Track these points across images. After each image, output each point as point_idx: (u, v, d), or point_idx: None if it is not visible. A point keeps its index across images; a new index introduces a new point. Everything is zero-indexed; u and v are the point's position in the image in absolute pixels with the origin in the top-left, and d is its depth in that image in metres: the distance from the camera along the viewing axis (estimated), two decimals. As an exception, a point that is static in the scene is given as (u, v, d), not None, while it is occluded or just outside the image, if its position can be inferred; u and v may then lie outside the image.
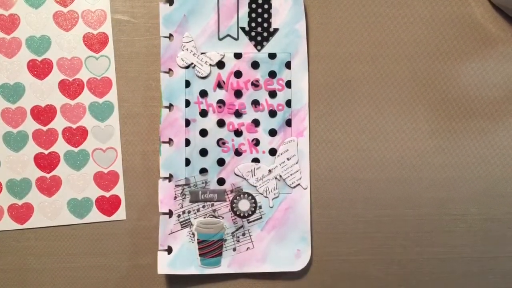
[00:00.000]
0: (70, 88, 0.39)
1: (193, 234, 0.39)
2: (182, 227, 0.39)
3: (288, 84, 0.40)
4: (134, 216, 0.39)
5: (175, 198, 0.39)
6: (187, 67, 0.40)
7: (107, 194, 0.39)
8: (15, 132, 0.39)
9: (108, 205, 0.39)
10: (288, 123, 0.40)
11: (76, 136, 0.39)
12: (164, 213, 0.39)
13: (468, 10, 0.42)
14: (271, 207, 0.40)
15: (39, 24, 0.39)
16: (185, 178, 0.39)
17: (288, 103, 0.40)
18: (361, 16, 0.41)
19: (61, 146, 0.39)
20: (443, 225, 0.41)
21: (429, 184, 0.41)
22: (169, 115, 0.40)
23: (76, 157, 0.39)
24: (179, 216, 0.39)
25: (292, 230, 0.40)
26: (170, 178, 0.39)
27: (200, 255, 0.39)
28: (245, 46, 0.40)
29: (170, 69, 0.40)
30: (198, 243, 0.39)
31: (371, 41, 0.41)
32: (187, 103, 0.40)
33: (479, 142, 0.42)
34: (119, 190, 0.39)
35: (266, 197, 0.40)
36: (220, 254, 0.39)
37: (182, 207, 0.39)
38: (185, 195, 0.39)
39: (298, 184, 0.40)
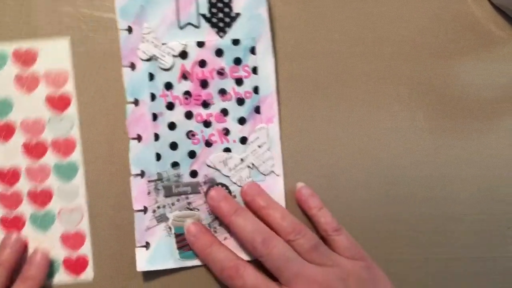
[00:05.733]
0: (34, 150, 0.38)
1: (169, 228, 0.39)
2: (158, 222, 0.39)
3: (255, 70, 0.39)
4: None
5: (149, 193, 0.39)
6: (149, 60, 0.39)
7: (74, 254, 0.39)
8: None
9: (75, 265, 0.39)
10: (257, 110, 0.40)
11: (41, 197, 0.38)
12: (139, 210, 0.39)
13: (467, 9, 0.41)
14: (245, 196, 0.40)
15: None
16: (157, 173, 0.39)
17: (256, 90, 0.40)
18: (360, 16, 0.41)
19: (26, 208, 0.39)
20: (443, 225, 0.41)
21: (427, 183, 0.41)
22: (135, 110, 0.39)
23: (42, 218, 0.38)
24: (154, 211, 0.39)
25: (268, 216, 0.40)
26: (142, 174, 0.39)
27: (178, 248, 0.39)
28: (207, 33, 0.39)
29: (132, 63, 0.39)
30: (176, 236, 0.39)
31: (370, 40, 0.41)
32: (153, 97, 0.39)
33: (479, 141, 0.42)
34: (86, 249, 0.39)
35: (240, 186, 0.40)
36: (198, 246, 0.39)
37: (156, 202, 0.39)
38: (159, 190, 0.39)
39: (272, 171, 0.40)
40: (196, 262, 0.39)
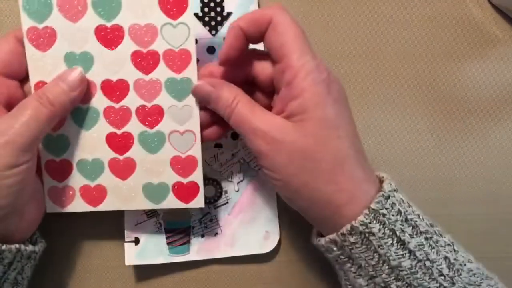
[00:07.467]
0: (144, 61, 0.34)
1: (160, 223, 0.39)
2: (148, 217, 0.39)
3: (246, 66, 0.40)
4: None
5: (140, 188, 0.39)
6: (142, 57, 0.40)
7: (185, 180, 0.35)
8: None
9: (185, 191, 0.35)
10: (248, 105, 0.40)
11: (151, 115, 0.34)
12: (129, 205, 0.39)
13: (468, 10, 0.42)
14: (236, 191, 0.40)
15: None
16: (149, 168, 0.39)
17: (247, 86, 0.40)
18: (361, 15, 0.42)
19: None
20: (444, 226, 0.41)
21: (428, 184, 0.41)
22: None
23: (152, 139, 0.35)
24: (144, 206, 0.39)
25: (259, 212, 0.40)
26: (133, 169, 0.39)
27: (168, 243, 0.39)
28: (200, 31, 0.40)
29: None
30: (166, 232, 0.39)
31: (371, 41, 0.41)
32: (145, 93, 0.40)
33: (479, 142, 0.41)
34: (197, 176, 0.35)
35: (231, 181, 0.40)
36: (188, 242, 0.39)
37: (147, 197, 0.39)
38: (150, 185, 0.39)
39: (263, 166, 0.40)
40: (185, 257, 0.39)
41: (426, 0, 0.42)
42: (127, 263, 0.38)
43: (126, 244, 0.38)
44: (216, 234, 0.39)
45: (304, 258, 0.40)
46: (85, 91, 0.33)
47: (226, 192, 0.40)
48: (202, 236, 0.39)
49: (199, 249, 0.39)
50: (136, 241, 0.39)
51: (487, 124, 0.42)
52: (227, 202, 0.40)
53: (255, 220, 0.39)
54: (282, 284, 0.40)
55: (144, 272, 0.39)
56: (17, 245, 0.31)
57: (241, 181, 0.40)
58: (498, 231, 0.41)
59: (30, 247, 0.32)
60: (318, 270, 0.40)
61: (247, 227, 0.39)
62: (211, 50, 0.40)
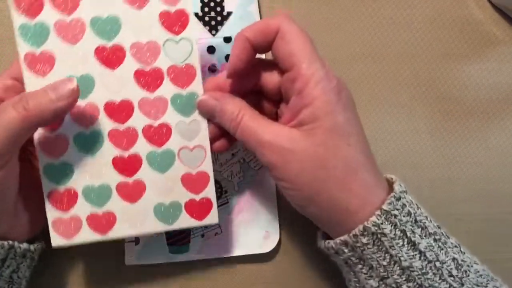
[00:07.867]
0: (148, 79, 0.33)
1: (160, 223, 0.39)
2: (148, 217, 0.39)
3: (246, 66, 0.40)
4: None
5: (140, 188, 0.39)
6: (142, 57, 0.39)
7: (198, 197, 0.34)
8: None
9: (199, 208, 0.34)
10: (248, 105, 0.40)
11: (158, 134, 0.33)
12: (129, 204, 0.39)
13: (468, 10, 0.42)
14: (236, 191, 0.40)
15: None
16: (148, 167, 0.39)
17: (247, 86, 0.40)
18: (362, 17, 0.42)
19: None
20: (443, 226, 0.41)
21: (428, 184, 0.41)
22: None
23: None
24: (144, 206, 0.39)
25: (259, 212, 0.40)
26: (133, 169, 0.39)
27: (168, 243, 0.39)
28: (200, 31, 0.40)
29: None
30: (166, 232, 0.39)
31: (371, 42, 0.42)
32: (146, 93, 0.39)
33: (479, 142, 0.42)
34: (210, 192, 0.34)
35: (231, 181, 0.40)
36: (188, 242, 0.39)
37: (147, 197, 0.39)
38: (150, 185, 0.39)
39: (262, 166, 0.40)
40: (185, 257, 0.39)
41: (427, 1, 0.42)
42: (127, 263, 0.38)
43: (126, 244, 0.38)
44: (216, 234, 0.39)
45: (304, 258, 0.40)
46: (87, 113, 0.32)
47: (226, 192, 0.40)
48: (202, 236, 0.39)
49: (199, 249, 0.39)
50: (136, 241, 0.39)
51: (487, 123, 0.42)
52: (227, 202, 0.40)
53: (255, 220, 0.39)
54: (282, 284, 0.40)
55: (144, 272, 0.39)
56: (10, 242, 0.31)
57: (241, 181, 0.40)
58: (497, 231, 0.41)
59: (24, 245, 0.32)
60: (318, 270, 0.40)
61: (247, 227, 0.39)
62: (211, 50, 0.40)
